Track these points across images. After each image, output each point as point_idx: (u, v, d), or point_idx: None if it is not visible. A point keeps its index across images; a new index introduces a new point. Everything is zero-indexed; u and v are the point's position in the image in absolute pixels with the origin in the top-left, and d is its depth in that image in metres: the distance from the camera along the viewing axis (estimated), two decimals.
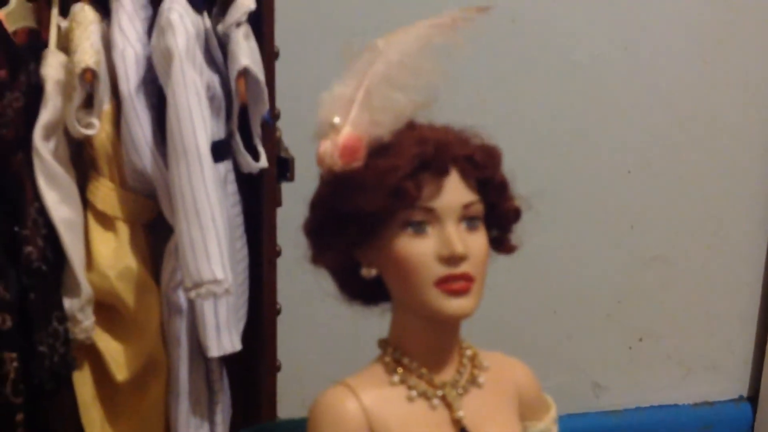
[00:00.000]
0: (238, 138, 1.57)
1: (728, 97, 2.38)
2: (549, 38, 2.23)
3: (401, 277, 1.06)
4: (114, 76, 1.48)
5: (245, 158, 1.58)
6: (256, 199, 1.65)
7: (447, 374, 1.12)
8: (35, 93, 1.44)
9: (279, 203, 1.67)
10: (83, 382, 1.57)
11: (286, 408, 1.70)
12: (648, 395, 2.53)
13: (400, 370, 1.10)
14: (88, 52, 1.43)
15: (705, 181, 2.42)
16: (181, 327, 1.55)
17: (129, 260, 1.53)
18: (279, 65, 1.61)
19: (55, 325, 1.48)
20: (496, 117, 2.20)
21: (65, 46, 1.48)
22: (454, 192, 1.05)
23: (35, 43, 1.50)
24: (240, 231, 1.63)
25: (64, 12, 1.50)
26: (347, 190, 1.05)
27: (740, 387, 2.60)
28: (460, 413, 1.10)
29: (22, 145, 1.44)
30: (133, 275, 1.53)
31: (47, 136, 1.45)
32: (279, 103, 1.64)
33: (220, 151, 1.54)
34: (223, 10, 1.56)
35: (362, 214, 1.05)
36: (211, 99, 1.50)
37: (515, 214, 1.13)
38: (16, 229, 1.44)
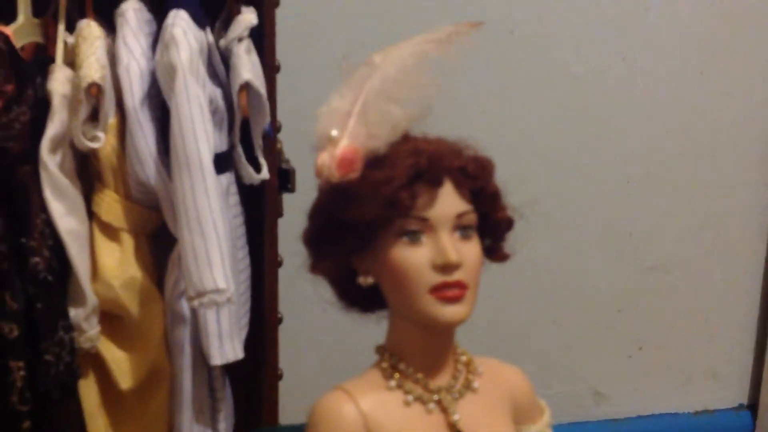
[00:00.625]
0: (240, 150, 1.60)
1: (726, 107, 2.39)
2: (547, 50, 2.25)
3: (397, 284, 1.08)
4: (119, 90, 1.51)
5: (247, 170, 1.60)
6: (258, 210, 1.68)
7: (442, 379, 1.14)
8: (42, 107, 1.47)
9: (280, 214, 1.69)
10: (88, 391, 1.59)
11: (288, 416, 1.71)
12: (648, 403, 2.54)
13: (396, 375, 1.12)
14: (93, 66, 1.46)
15: (704, 190, 2.43)
16: (185, 336, 1.57)
17: (133, 270, 1.55)
18: (280, 79, 1.64)
19: (60, 334, 1.50)
20: (495, 128, 2.22)
21: (71, 61, 1.50)
22: (448, 202, 1.08)
23: (42, 58, 1.53)
24: (242, 241, 1.65)
25: (71, 28, 1.52)
26: (344, 201, 1.08)
27: (740, 395, 2.60)
28: (456, 417, 1.12)
29: (28, 158, 1.46)
30: (137, 285, 1.55)
31: (54, 149, 1.47)
32: (280, 116, 1.66)
33: (223, 163, 1.56)
34: (226, 25, 1.59)
35: (359, 224, 1.07)
36: (214, 112, 1.53)
37: (507, 224, 1.15)
38: (22, 240, 1.47)
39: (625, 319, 2.47)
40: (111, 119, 1.51)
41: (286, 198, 1.70)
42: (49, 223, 1.48)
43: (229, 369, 1.63)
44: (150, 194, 1.54)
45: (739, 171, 2.45)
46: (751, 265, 2.52)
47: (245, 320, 1.66)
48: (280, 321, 1.72)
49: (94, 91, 1.46)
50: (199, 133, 1.45)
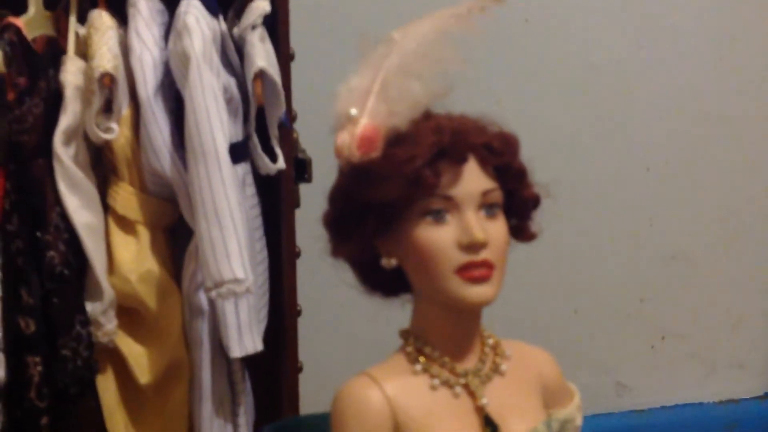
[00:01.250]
0: (255, 140, 1.58)
1: (745, 94, 2.38)
2: (565, 38, 2.24)
3: (421, 265, 1.06)
4: (132, 81, 1.49)
5: (263, 160, 1.59)
6: (275, 201, 1.66)
7: (469, 362, 1.12)
8: (55, 99, 1.46)
9: (297, 204, 1.68)
10: (107, 386, 1.57)
11: (308, 408, 1.69)
12: (672, 394, 2.51)
13: (422, 359, 1.10)
14: (106, 56, 1.45)
15: (724, 177, 2.41)
16: (203, 329, 1.55)
17: (150, 263, 1.54)
18: (294, 67, 1.62)
19: (78, 329, 1.49)
20: (513, 117, 2.18)
21: (83, 52, 1.49)
22: (473, 179, 1.06)
23: (54, 50, 1.52)
24: (259, 233, 1.63)
25: (82, 19, 1.51)
26: (366, 181, 1.06)
27: (765, 384, 2.58)
28: (484, 400, 1.10)
29: (42, 151, 1.45)
30: (154, 278, 1.54)
31: (67, 142, 1.46)
32: (295, 105, 1.64)
33: (238, 153, 1.54)
34: (239, 14, 1.58)
35: (381, 204, 1.05)
36: (229, 101, 1.51)
37: (534, 201, 1.13)
38: (38, 234, 1.46)
39: (647, 309, 2.45)
40: (125, 110, 1.50)
41: (303, 188, 1.69)
42: (65, 217, 1.47)
43: (249, 362, 1.62)
44: (165, 186, 1.53)
45: (761, 158, 2.43)
46: None
47: (264, 312, 1.64)
48: (299, 313, 1.70)
49: (107, 81, 1.45)
50: (214, 122, 1.44)
